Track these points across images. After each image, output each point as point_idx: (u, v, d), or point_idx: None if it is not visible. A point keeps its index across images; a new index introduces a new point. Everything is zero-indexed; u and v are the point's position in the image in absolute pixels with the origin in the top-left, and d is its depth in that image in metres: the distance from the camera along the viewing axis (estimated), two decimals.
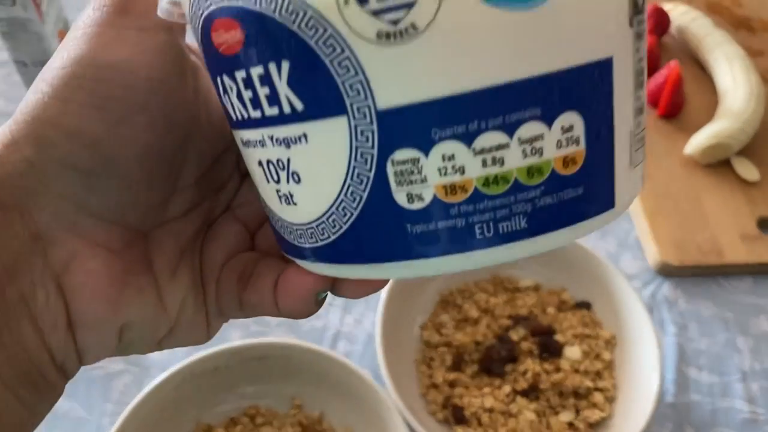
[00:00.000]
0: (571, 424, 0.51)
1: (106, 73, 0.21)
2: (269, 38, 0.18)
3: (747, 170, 0.68)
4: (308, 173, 0.19)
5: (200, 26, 0.20)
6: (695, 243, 0.63)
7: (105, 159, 0.22)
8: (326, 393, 0.51)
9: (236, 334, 0.57)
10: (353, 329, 0.58)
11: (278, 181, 0.20)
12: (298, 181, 0.20)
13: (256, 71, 0.19)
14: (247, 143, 0.21)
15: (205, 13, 0.19)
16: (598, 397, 0.52)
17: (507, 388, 0.52)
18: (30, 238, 0.21)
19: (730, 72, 0.72)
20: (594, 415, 0.51)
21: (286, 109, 0.19)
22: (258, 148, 0.20)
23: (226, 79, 0.20)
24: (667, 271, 0.62)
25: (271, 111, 0.19)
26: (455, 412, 0.51)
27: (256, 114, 0.20)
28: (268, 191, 0.21)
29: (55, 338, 0.22)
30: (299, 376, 0.51)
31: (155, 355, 0.55)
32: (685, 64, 0.77)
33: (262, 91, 0.19)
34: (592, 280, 0.57)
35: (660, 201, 0.65)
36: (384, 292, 0.53)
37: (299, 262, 0.23)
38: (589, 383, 0.52)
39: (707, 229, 0.64)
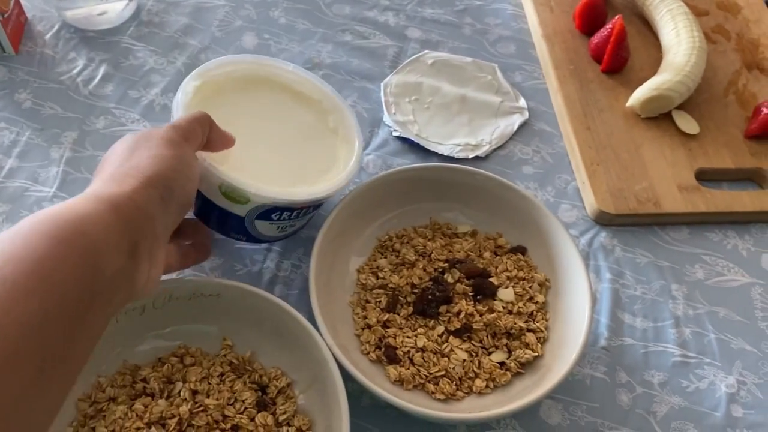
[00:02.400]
0: (502, 364, 0.52)
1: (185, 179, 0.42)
2: None
3: (687, 124, 0.69)
4: None
5: None
6: (633, 193, 0.63)
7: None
8: (257, 333, 0.50)
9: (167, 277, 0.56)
10: (290, 274, 0.57)
11: None
12: None
13: None
14: None
15: None
16: (530, 337, 0.52)
17: (440, 329, 0.52)
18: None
19: (674, 28, 0.72)
20: (525, 354, 0.51)
21: None
22: None
23: None
24: (604, 220, 0.63)
25: None
26: (387, 352, 0.51)
27: None
28: None
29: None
30: (229, 316, 0.50)
31: None
32: (630, 22, 0.77)
33: None
34: (528, 226, 0.57)
35: (600, 152, 0.66)
36: (319, 236, 0.52)
37: None
38: (521, 324, 0.52)
39: (646, 180, 0.64)
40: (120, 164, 0.40)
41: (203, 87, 0.53)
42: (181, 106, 0.50)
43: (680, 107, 0.70)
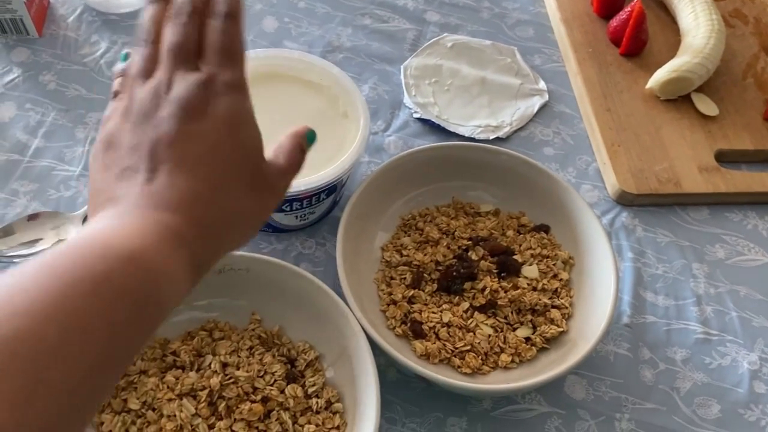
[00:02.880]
0: (528, 339, 0.52)
1: None
2: None
3: (706, 105, 0.69)
4: None
5: None
6: (654, 173, 0.63)
7: None
8: (285, 306, 0.51)
9: None
10: (315, 251, 0.58)
11: None
12: None
13: None
14: None
15: None
16: (555, 313, 0.53)
17: (465, 305, 0.53)
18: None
19: (693, 12, 0.72)
20: (551, 330, 0.52)
21: None
22: None
23: None
24: (625, 200, 0.63)
25: None
26: (413, 327, 0.52)
27: None
28: None
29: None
30: (258, 290, 0.51)
31: None
32: (648, 6, 0.77)
33: None
34: (551, 205, 0.57)
35: (620, 133, 0.66)
36: (344, 214, 0.52)
37: None
38: (546, 300, 0.53)
39: (666, 160, 0.64)
40: (191, 191, 0.32)
41: None
42: None
43: (699, 89, 0.70)
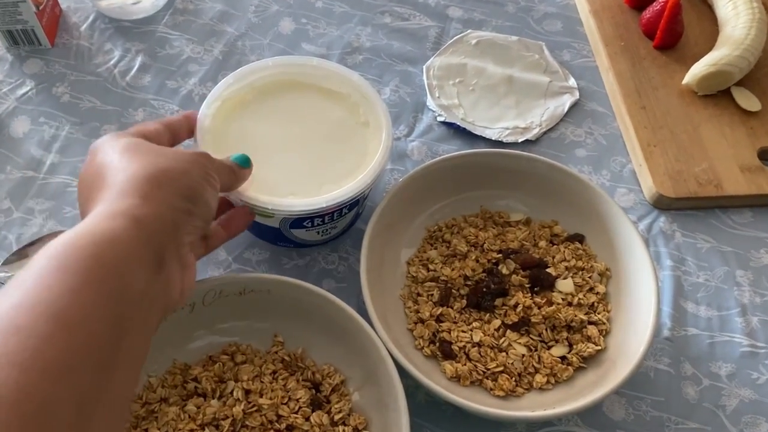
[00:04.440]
0: (563, 358, 0.49)
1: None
2: None
3: (747, 100, 0.65)
4: None
5: None
6: (693, 175, 0.60)
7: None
8: (308, 328, 0.49)
9: (217, 273, 0.54)
10: (338, 266, 0.55)
11: None
12: None
13: None
14: None
15: None
16: (592, 330, 0.50)
17: (496, 323, 0.50)
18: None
19: (731, 0, 0.68)
20: (588, 348, 0.49)
21: None
22: None
23: None
24: (663, 204, 0.60)
25: None
26: (443, 347, 0.49)
27: None
28: None
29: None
30: (280, 312, 0.49)
31: None
32: None
33: None
34: (585, 212, 0.54)
35: (656, 132, 0.63)
36: (368, 229, 0.50)
37: None
38: (582, 316, 0.50)
39: (705, 161, 0.61)
40: (133, 173, 0.36)
41: (225, 105, 0.52)
42: (200, 133, 0.49)
43: (740, 83, 0.66)
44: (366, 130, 0.53)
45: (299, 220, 0.50)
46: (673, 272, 0.57)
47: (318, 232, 0.53)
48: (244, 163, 0.45)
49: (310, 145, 0.52)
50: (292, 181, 0.49)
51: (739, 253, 0.58)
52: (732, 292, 0.56)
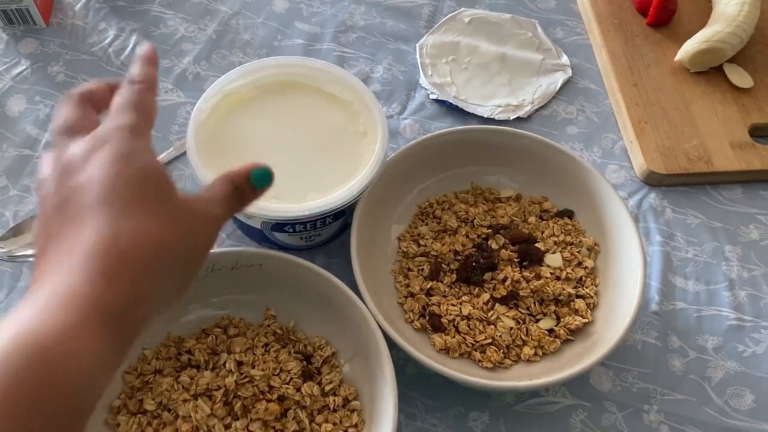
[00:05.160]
0: (551, 331, 0.50)
1: None
2: None
3: (740, 77, 0.65)
4: None
5: None
6: (683, 151, 0.60)
7: None
8: (300, 302, 0.49)
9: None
10: (330, 243, 0.56)
11: None
12: None
13: None
14: None
15: None
16: (579, 303, 0.51)
17: (485, 296, 0.51)
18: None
19: None
20: (575, 321, 0.50)
21: None
22: None
23: None
24: (653, 181, 0.60)
25: None
26: (432, 320, 0.50)
27: None
28: None
29: None
30: (272, 286, 0.49)
31: None
32: None
33: None
34: (575, 188, 0.55)
35: (648, 109, 0.63)
36: (358, 205, 0.51)
37: None
38: (570, 290, 0.51)
39: (696, 138, 0.61)
40: (115, 238, 0.29)
41: (224, 100, 0.52)
42: (193, 126, 0.49)
43: (732, 60, 0.66)
44: (363, 140, 0.51)
45: (280, 225, 0.49)
46: (662, 247, 0.57)
47: (301, 238, 0.52)
48: (261, 183, 0.38)
49: (303, 150, 0.51)
50: (279, 185, 0.48)
51: (729, 228, 0.59)
52: (720, 267, 0.57)
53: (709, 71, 0.66)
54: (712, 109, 0.63)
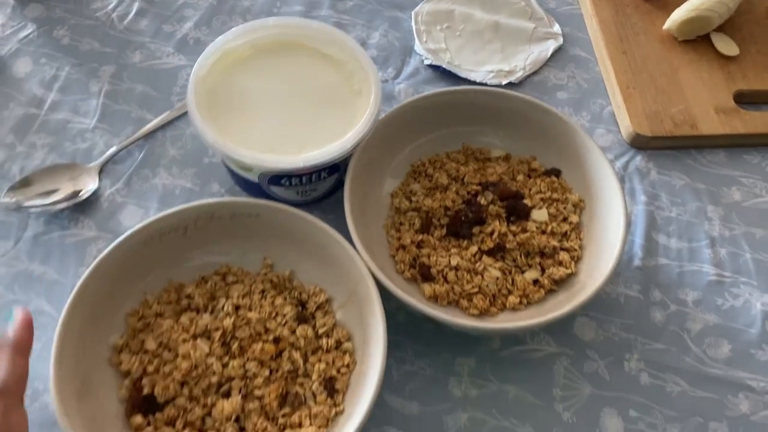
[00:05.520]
0: (536, 282, 0.52)
1: None
2: None
3: (726, 45, 0.67)
4: None
5: None
6: (669, 115, 0.62)
7: None
8: (296, 251, 0.51)
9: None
10: (324, 199, 0.58)
11: None
12: None
13: None
14: None
15: None
16: (563, 256, 0.53)
17: (473, 249, 0.53)
18: None
19: None
20: (559, 272, 0.52)
21: None
22: None
23: None
24: (639, 143, 0.62)
25: None
26: (422, 270, 0.52)
27: None
28: None
29: None
30: (269, 236, 0.51)
31: (129, 222, 0.56)
32: None
33: None
34: (563, 149, 0.57)
35: (636, 76, 0.65)
36: (352, 160, 0.52)
37: None
38: (555, 243, 0.53)
39: (682, 102, 0.63)
40: None
41: (222, 59, 0.53)
42: (194, 83, 0.51)
43: (719, 29, 0.68)
44: (357, 99, 0.53)
45: (276, 177, 0.51)
46: (646, 207, 0.59)
47: (297, 193, 0.54)
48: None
49: (299, 107, 0.53)
50: (275, 139, 0.51)
51: (712, 190, 0.61)
52: (702, 226, 0.59)
53: (697, 40, 0.68)
54: (698, 76, 0.65)
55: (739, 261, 0.57)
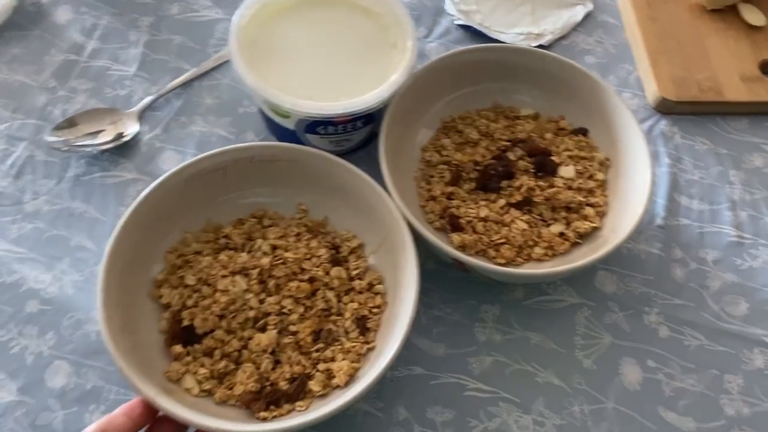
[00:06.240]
0: (561, 234, 0.54)
1: None
2: None
3: (753, 15, 0.68)
4: None
5: None
6: (695, 81, 0.63)
7: None
8: (331, 197, 0.53)
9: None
10: (358, 151, 0.60)
11: None
12: None
13: None
14: None
15: None
16: (589, 210, 0.54)
17: (502, 201, 0.55)
18: None
19: None
20: (584, 225, 0.53)
21: None
22: None
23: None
24: (665, 108, 0.63)
25: None
26: (452, 221, 0.54)
27: None
28: None
29: None
30: (305, 181, 0.53)
31: (167, 166, 0.57)
32: None
33: None
34: (591, 108, 0.58)
35: (663, 42, 0.66)
36: (389, 109, 0.54)
37: None
38: (581, 198, 0.54)
39: (708, 69, 0.64)
40: None
41: (264, 9, 0.55)
42: (235, 31, 0.52)
43: (747, 0, 0.69)
44: (393, 51, 0.55)
45: (313, 125, 0.53)
46: (670, 169, 0.61)
47: (331, 142, 0.55)
48: None
49: (337, 58, 0.54)
50: (313, 88, 0.52)
51: (734, 155, 0.62)
52: (724, 189, 0.60)
53: (725, 9, 0.69)
54: (725, 44, 0.66)
55: (759, 224, 0.58)
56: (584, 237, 0.54)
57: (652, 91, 0.64)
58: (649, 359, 0.52)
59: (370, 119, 0.54)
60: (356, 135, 0.56)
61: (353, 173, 0.51)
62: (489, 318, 0.53)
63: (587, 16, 0.70)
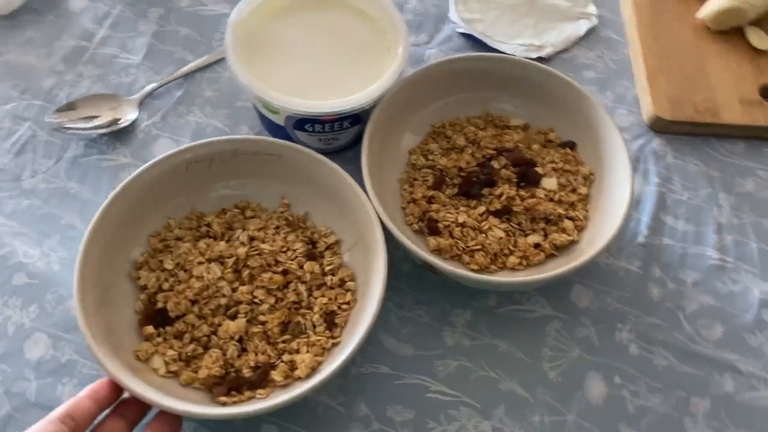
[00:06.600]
0: (538, 245, 0.54)
1: None
2: None
3: (759, 39, 0.67)
4: None
5: None
6: (692, 102, 0.63)
7: None
8: (313, 194, 0.54)
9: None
10: (346, 152, 0.61)
11: None
12: None
13: None
14: None
15: None
16: (567, 223, 0.54)
17: (481, 208, 0.55)
18: None
19: None
20: (561, 238, 0.54)
21: None
22: None
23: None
24: (659, 126, 0.63)
25: None
26: (430, 224, 0.55)
27: None
28: None
29: None
30: (288, 176, 0.54)
31: (161, 153, 0.59)
32: None
33: None
34: (581, 123, 0.58)
35: (664, 60, 0.66)
36: (375, 111, 0.55)
37: None
38: (561, 211, 0.55)
39: (707, 90, 0.64)
40: None
41: (262, 8, 0.56)
42: (231, 26, 0.54)
43: (754, 23, 0.68)
44: (386, 55, 0.56)
45: (301, 122, 0.54)
46: (658, 188, 0.60)
47: (320, 140, 0.57)
48: None
49: (330, 59, 0.55)
50: (305, 86, 0.53)
51: (726, 178, 0.62)
52: (711, 212, 0.60)
53: (730, 31, 0.68)
54: (726, 66, 0.66)
55: (744, 249, 0.58)
56: (561, 249, 0.54)
57: (647, 109, 0.64)
58: (616, 375, 0.52)
59: (357, 120, 0.55)
60: (344, 135, 0.57)
61: (334, 171, 0.52)
62: (459, 323, 0.53)
63: (590, 31, 0.70)
